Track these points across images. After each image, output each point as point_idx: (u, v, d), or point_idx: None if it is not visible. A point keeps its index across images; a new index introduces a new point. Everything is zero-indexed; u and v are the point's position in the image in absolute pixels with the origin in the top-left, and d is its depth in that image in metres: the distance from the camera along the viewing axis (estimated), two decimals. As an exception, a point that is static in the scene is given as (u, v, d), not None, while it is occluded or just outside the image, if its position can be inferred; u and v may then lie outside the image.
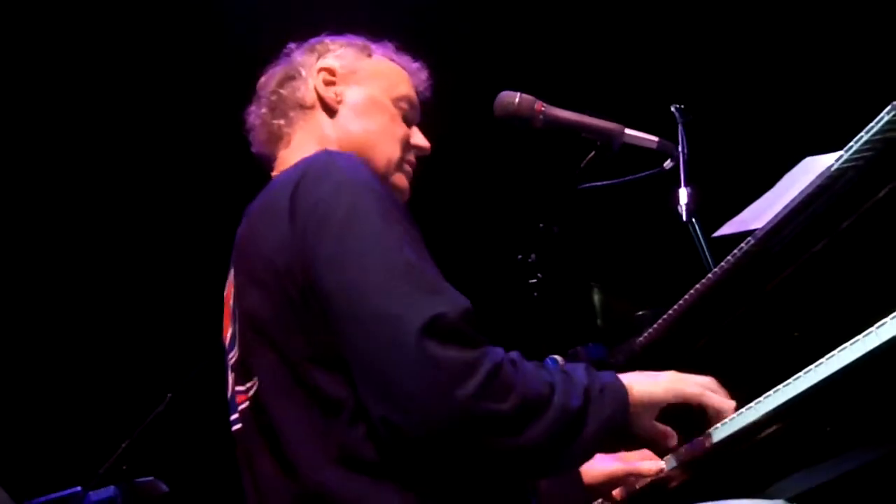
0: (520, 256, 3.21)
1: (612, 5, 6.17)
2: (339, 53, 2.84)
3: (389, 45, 2.92)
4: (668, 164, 3.20)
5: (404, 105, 2.83)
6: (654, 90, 3.61)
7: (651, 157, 3.18)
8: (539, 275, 3.20)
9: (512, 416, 2.06)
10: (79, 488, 4.59)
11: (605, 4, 6.17)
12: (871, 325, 1.88)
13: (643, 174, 3.24)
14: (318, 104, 2.77)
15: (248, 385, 2.39)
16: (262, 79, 2.87)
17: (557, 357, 3.19)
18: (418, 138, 2.84)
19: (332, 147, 2.64)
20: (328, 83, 2.78)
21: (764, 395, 2.14)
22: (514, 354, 2.15)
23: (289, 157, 2.69)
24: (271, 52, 2.91)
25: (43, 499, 4.75)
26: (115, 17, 6.07)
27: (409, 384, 2.04)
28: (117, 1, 6.05)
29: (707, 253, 3.25)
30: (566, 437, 2.13)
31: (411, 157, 2.83)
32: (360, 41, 2.88)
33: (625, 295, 3.71)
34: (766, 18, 5.91)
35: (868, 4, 5.53)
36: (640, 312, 3.41)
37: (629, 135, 3.03)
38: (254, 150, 2.84)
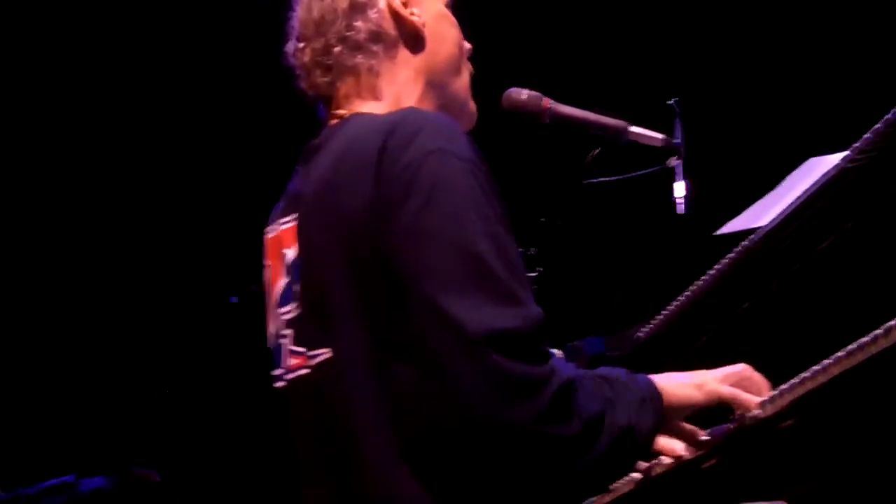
0: (521, 249, 3.22)
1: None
2: None
3: None
4: (671, 161, 3.22)
5: (450, 7, 2.55)
6: (660, 88, 3.62)
7: (656, 153, 3.20)
8: (540, 268, 3.21)
9: (576, 438, 2.00)
10: (72, 477, 4.59)
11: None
12: (875, 324, 1.90)
13: (647, 171, 3.26)
14: (400, 33, 2.42)
15: (316, 352, 2.23)
16: (314, 11, 2.45)
17: (556, 351, 3.21)
18: (464, 42, 2.56)
19: (419, 83, 2.43)
20: (405, 4, 2.44)
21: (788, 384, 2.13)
22: (573, 370, 2.07)
23: (372, 97, 2.40)
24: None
25: (35, 487, 4.75)
26: (105, 12, 6.06)
27: (472, 393, 1.96)
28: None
29: (705, 246, 3.27)
30: (620, 454, 2.08)
31: (470, 66, 2.58)
32: None
33: (624, 287, 3.74)
34: (772, 23, 5.91)
35: (874, 4, 5.54)
36: (638, 303, 3.43)
37: (634, 132, 3.04)
38: (309, 88, 2.46)
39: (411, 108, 2.29)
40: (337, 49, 2.41)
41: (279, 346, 2.35)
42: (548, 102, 2.99)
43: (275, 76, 2.59)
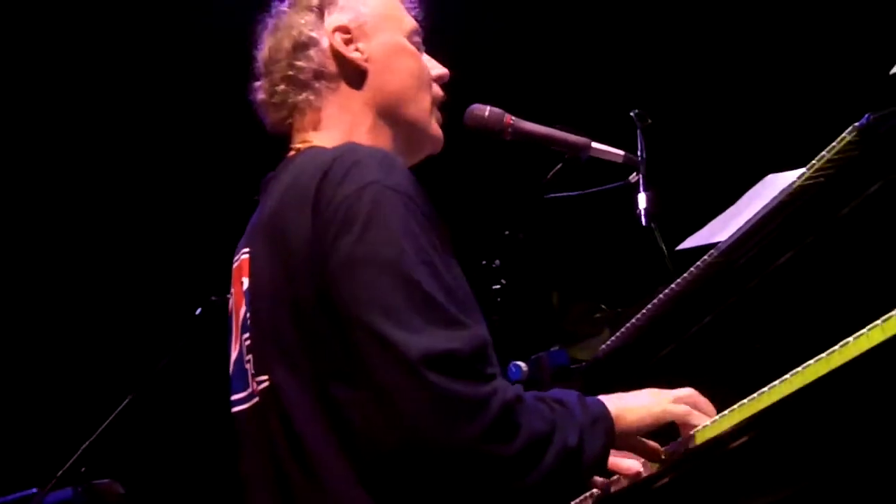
0: (484, 262, 3.23)
1: (581, 14, 6.20)
2: (341, 4, 2.59)
3: None
4: (633, 177, 3.25)
5: (416, 38, 2.64)
6: (621, 101, 3.65)
7: (619, 168, 3.22)
8: (503, 280, 3.23)
9: (517, 457, 2.02)
10: (35, 490, 4.56)
11: (574, 13, 6.20)
12: (832, 340, 1.93)
13: (608, 186, 3.29)
14: (340, 70, 2.53)
15: (261, 378, 2.30)
16: (264, 52, 2.60)
17: (521, 363, 3.23)
18: (436, 67, 2.67)
19: (367, 115, 2.52)
20: (347, 42, 2.54)
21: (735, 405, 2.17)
22: (518, 390, 2.09)
23: (322, 130, 2.51)
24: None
25: (-2, 501, 4.72)
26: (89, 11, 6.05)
27: (412, 414, 1.99)
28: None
29: (668, 257, 3.30)
30: (566, 474, 2.10)
31: (438, 91, 2.66)
32: None
33: (586, 300, 3.75)
34: (732, 41, 5.95)
35: (831, 26, 5.58)
36: (598, 315, 3.45)
37: (596, 148, 3.06)
38: (267, 126, 2.60)
39: (350, 143, 2.35)
40: (281, 87, 2.54)
41: (244, 371, 2.39)
42: (510, 119, 3.00)
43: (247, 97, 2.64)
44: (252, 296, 2.36)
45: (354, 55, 2.54)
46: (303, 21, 2.57)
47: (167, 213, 6.50)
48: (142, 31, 6.15)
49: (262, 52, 2.62)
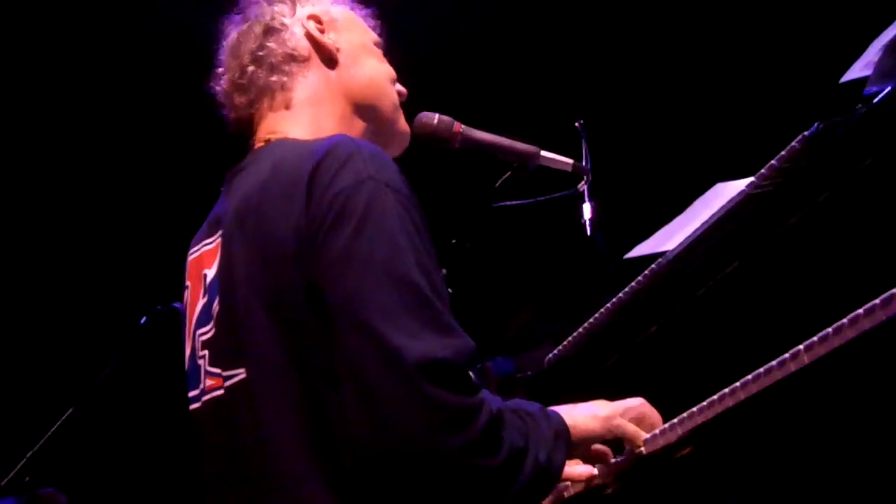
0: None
1: (527, 25, 6.21)
2: (313, 1, 2.60)
3: None
4: (582, 185, 3.25)
5: (379, 49, 2.67)
6: (567, 110, 3.66)
7: (566, 177, 3.22)
8: (449, 290, 3.21)
9: (500, 469, 2.02)
10: (-25, 499, 4.52)
11: (519, 24, 6.21)
12: (778, 348, 1.94)
13: (557, 195, 3.28)
14: (314, 55, 2.52)
15: (231, 373, 2.23)
16: (232, 37, 2.58)
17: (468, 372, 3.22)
18: (398, 84, 2.67)
19: (338, 100, 2.50)
20: (321, 31, 2.55)
21: (678, 417, 2.19)
22: (499, 402, 2.08)
23: (287, 120, 2.47)
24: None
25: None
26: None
27: (403, 419, 1.95)
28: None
29: (611, 266, 3.31)
30: (538, 488, 2.11)
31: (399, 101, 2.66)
32: None
33: (531, 309, 3.75)
34: (678, 50, 5.98)
35: (781, 34, 5.62)
36: (543, 325, 3.45)
37: (545, 157, 3.05)
38: (231, 114, 2.55)
39: (343, 135, 2.30)
40: (251, 69, 2.50)
41: (196, 367, 2.34)
42: (460, 127, 2.98)
43: (200, 100, 2.62)
44: (222, 288, 2.28)
45: (327, 41, 2.54)
46: (276, 9, 2.57)
47: (112, 221, 6.45)
48: (86, 36, 6.10)
49: (230, 39, 2.59)
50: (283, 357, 2.12)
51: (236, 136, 2.56)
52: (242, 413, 2.20)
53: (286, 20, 2.55)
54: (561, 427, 2.22)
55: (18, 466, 4.33)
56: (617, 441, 2.39)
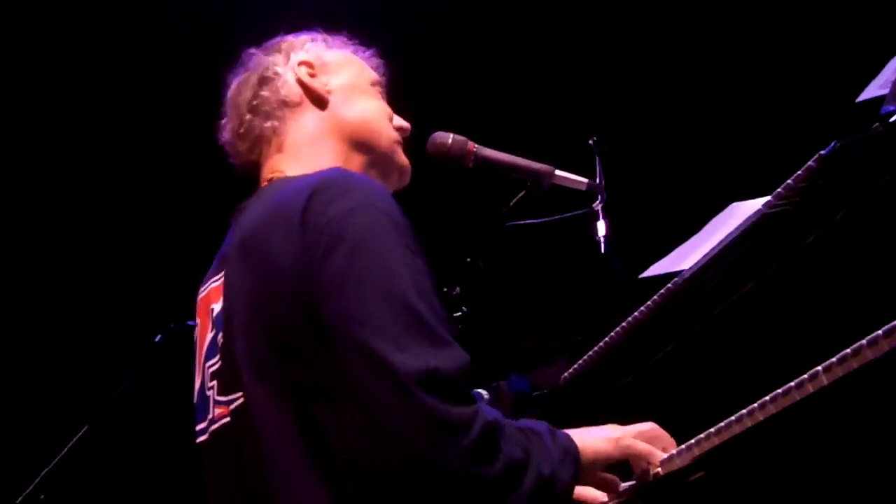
0: (445, 289, 3.22)
1: (542, 43, 6.21)
2: (306, 48, 2.73)
3: (340, 36, 2.83)
4: (597, 204, 3.25)
5: (378, 88, 2.76)
6: (581, 129, 3.66)
7: (580, 196, 3.22)
8: (464, 308, 3.21)
9: (498, 480, 2.04)
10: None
11: (534, 42, 6.21)
12: (796, 367, 1.93)
13: (571, 214, 3.28)
14: (305, 99, 2.64)
15: (232, 397, 2.29)
16: (232, 88, 2.73)
17: (482, 391, 3.21)
18: (398, 120, 2.76)
19: (332, 140, 2.60)
20: (311, 76, 2.67)
21: (695, 438, 2.17)
22: (498, 415, 2.12)
23: (285, 160, 2.59)
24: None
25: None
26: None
27: (400, 431, 2.00)
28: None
29: (626, 285, 3.29)
30: (541, 501, 2.11)
31: (399, 136, 2.73)
32: (318, 35, 2.80)
33: (546, 328, 3.74)
34: (694, 68, 5.97)
35: (797, 53, 5.60)
36: (558, 344, 3.44)
37: (559, 176, 3.05)
38: (236, 161, 2.69)
39: (337, 168, 2.43)
40: (248, 118, 2.65)
41: (205, 399, 2.40)
42: (473, 146, 2.99)
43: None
44: (225, 318, 2.35)
45: (317, 84, 2.65)
46: (270, 59, 2.70)
47: (127, 239, 6.45)
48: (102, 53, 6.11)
49: (231, 91, 2.73)
50: (282, 382, 2.18)
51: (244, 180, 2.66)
52: (245, 436, 2.25)
53: (279, 69, 2.68)
54: (569, 445, 2.24)
55: (34, 484, 4.34)
56: (627, 469, 2.38)
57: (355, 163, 2.60)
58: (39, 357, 6.37)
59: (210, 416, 2.36)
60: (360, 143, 2.63)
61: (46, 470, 4.33)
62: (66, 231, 6.39)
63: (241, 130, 2.65)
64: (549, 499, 2.13)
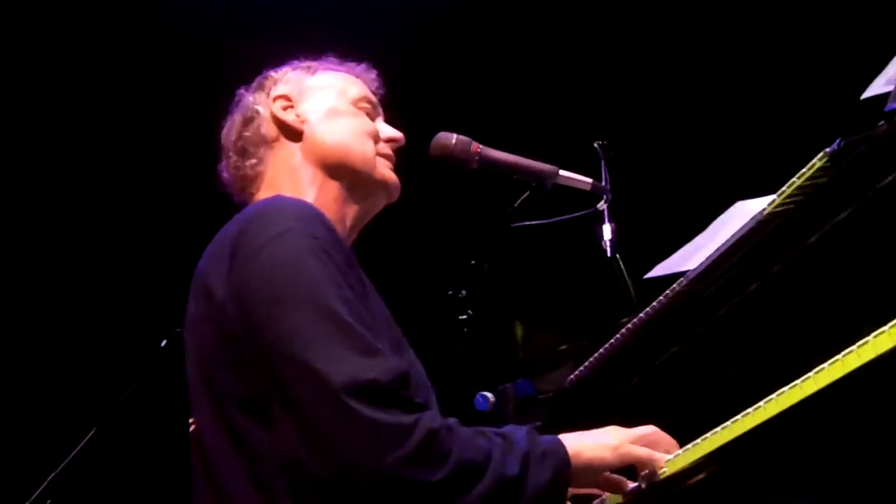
0: (450, 292, 3.21)
1: (545, 44, 6.21)
2: (286, 79, 2.81)
3: (331, 57, 2.90)
4: (601, 204, 3.24)
5: (363, 104, 2.80)
6: (586, 131, 3.65)
7: (584, 197, 3.21)
8: (469, 311, 3.21)
9: (444, 484, 2.07)
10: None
11: (538, 43, 6.20)
12: (802, 367, 1.92)
13: (576, 214, 3.27)
14: (281, 134, 2.73)
15: (191, 422, 2.42)
16: (224, 131, 2.82)
17: (488, 394, 3.21)
18: (388, 130, 2.80)
19: (308, 169, 2.67)
20: (286, 108, 2.75)
21: (701, 438, 2.16)
22: (451, 421, 2.16)
23: (270, 187, 2.69)
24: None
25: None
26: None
27: (337, 442, 2.06)
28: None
29: (632, 288, 3.29)
30: (503, 501, 2.13)
31: (387, 150, 2.78)
32: (302, 63, 2.87)
33: (551, 330, 3.74)
34: (697, 67, 5.96)
35: (801, 50, 5.59)
36: (563, 347, 3.43)
37: (563, 176, 3.05)
38: (236, 200, 2.78)
39: (276, 196, 2.51)
40: (234, 159, 2.76)
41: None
42: (477, 147, 2.99)
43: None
44: (186, 345, 2.48)
45: (291, 118, 2.74)
46: (252, 98, 2.81)
47: (133, 244, 6.45)
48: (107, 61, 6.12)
49: (223, 133, 2.83)
50: (221, 404, 2.28)
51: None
52: (200, 458, 2.37)
53: (259, 108, 2.78)
54: (552, 448, 2.24)
55: (41, 489, 4.34)
56: (632, 470, 2.37)
57: (332, 187, 2.68)
58: (46, 361, 6.37)
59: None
60: (336, 167, 2.69)
61: (53, 474, 4.33)
62: (73, 235, 6.39)
63: (232, 172, 2.76)
64: (514, 499, 2.14)
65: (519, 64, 6.24)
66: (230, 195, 2.79)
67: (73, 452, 4.31)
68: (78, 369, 6.31)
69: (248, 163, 2.73)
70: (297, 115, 2.74)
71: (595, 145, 3.46)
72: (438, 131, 3.03)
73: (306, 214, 2.36)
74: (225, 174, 2.80)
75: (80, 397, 5.96)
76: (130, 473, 6.16)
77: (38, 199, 6.34)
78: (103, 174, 6.34)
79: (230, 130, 2.80)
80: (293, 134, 2.72)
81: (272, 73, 2.85)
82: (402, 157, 2.77)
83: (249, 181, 2.73)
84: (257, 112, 2.76)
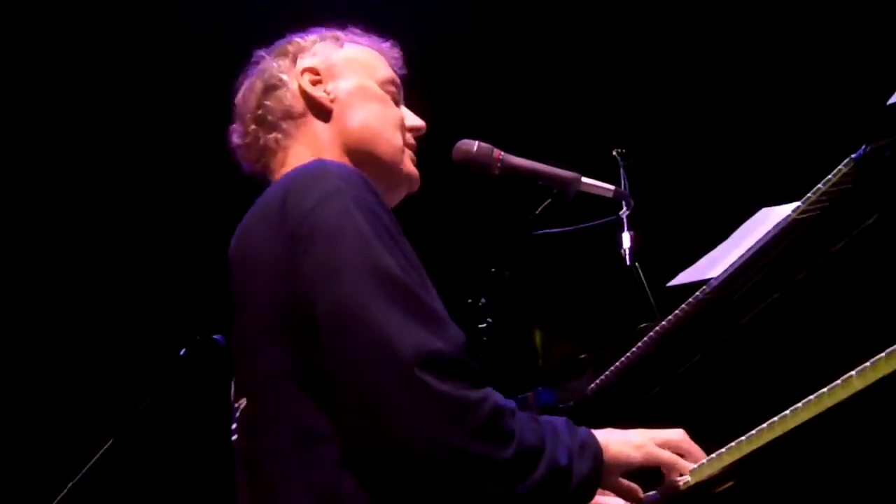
0: (470, 300, 3.20)
1: (566, 52, 6.20)
2: (314, 50, 2.70)
3: (355, 29, 2.80)
4: (623, 212, 3.23)
5: (390, 87, 2.71)
6: (608, 141, 3.64)
7: (603, 205, 3.20)
8: (489, 319, 3.19)
9: (509, 464, 2.00)
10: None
11: (559, 51, 6.20)
12: (829, 375, 1.90)
13: (598, 222, 3.26)
14: (308, 109, 2.62)
15: (239, 402, 2.32)
16: (239, 95, 2.71)
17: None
18: (412, 119, 2.73)
19: (334, 151, 2.57)
20: (315, 83, 2.64)
21: (725, 448, 2.14)
22: (511, 403, 2.08)
23: (284, 172, 2.53)
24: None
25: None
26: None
27: (403, 414, 1.98)
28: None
29: (651, 296, 3.28)
30: (553, 493, 2.07)
31: (410, 139, 2.71)
32: (329, 32, 2.76)
33: (572, 339, 3.73)
34: (723, 74, 5.95)
35: (827, 56, 5.58)
36: (583, 355, 3.42)
37: (586, 183, 3.03)
38: (246, 169, 2.68)
39: (316, 160, 2.40)
40: (252, 128, 2.64)
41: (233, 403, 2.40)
42: (499, 154, 2.98)
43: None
44: (235, 323, 2.37)
45: (320, 94, 2.63)
46: (276, 65, 2.68)
47: (153, 253, 6.47)
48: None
49: (238, 98, 2.72)
50: (277, 379, 2.18)
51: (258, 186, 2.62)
52: (249, 439, 2.28)
53: (284, 76, 2.66)
54: (589, 440, 2.20)
55: (60, 497, 4.34)
56: (654, 474, 2.35)
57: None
58: (66, 370, 6.39)
59: (236, 421, 2.38)
60: (361, 152, 2.60)
61: (73, 482, 4.33)
62: (93, 244, 6.41)
63: (248, 140, 2.65)
64: (563, 488, 2.09)
65: (538, 71, 6.24)
66: (238, 163, 2.71)
67: (93, 460, 4.31)
68: (98, 378, 6.33)
69: (271, 135, 2.61)
70: (327, 93, 2.63)
71: (614, 153, 3.45)
72: (459, 138, 3.02)
73: (352, 177, 2.25)
74: (238, 140, 2.69)
75: (99, 405, 5.97)
76: (149, 482, 6.17)
77: (60, 208, 6.36)
78: (124, 184, 6.37)
79: (249, 95, 2.68)
80: (322, 112, 2.62)
81: (298, 39, 2.74)
82: (422, 165, 2.76)
83: (269, 154, 2.61)
84: (282, 81, 2.65)
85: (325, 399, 2.10)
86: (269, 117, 2.62)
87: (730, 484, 2.13)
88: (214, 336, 3.86)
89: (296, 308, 2.14)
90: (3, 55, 5.99)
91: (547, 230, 3.15)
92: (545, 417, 2.19)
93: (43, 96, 6.14)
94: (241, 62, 2.77)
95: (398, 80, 2.76)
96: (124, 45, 6.09)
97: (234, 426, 2.38)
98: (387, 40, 2.80)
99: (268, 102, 2.63)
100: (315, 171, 2.28)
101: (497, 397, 2.05)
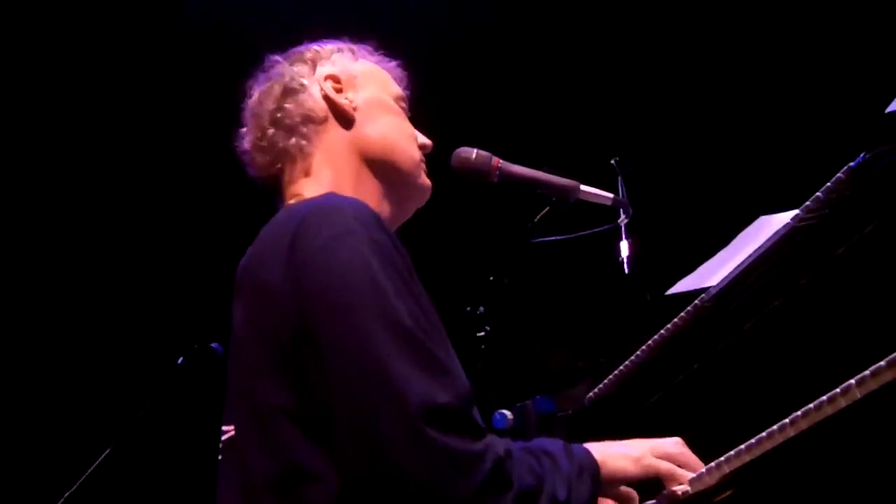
0: (469, 308, 3.20)
1: (564, 60, 6.21)
2: (333, 59, 2.67)
3: (365, 45, 2.77)
4: (622, 220, 3.23)
5: (402, 103, 2.70)
6: (606, 150, 3.64)
7: (601, 213, 3.20)
8: (487, 327, 3.19)
9: None
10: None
11: (557, 59, 6.21)
12: (828, 383, 1.89)
13: (597, 230, 3.26)
14: (330, 115, 2.57)
15: (226, 429, 2.27)
16: (254, 98, 2.65)
17: (506, 412, 3.19)
18: (419, 136, 2.70)
19: (353, 160, 2.54)
20: (337, 91, 2.61)
21: (724, 457, 2.14)
22: (508, 444, 2.08)
23: (309, 185, 2.52)
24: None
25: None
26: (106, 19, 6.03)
27: (407, 466, 1.94)
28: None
29: (648, 304, 3.27)
30: None
31: (421, 155, 2.68)
32: (345, 45, 2.73)
33: (570, 346, 3.73)
34: (721, 82, 5.95)
35: (825, 63, 5.58)
36: (581, 363, 3.42)
37: (585, 191, 3.03)
38: (254, 173, 2.62)
39: (326, 194, 2.34)
40: (271, 131, 2.57)
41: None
42: (498, 162, 2.97)
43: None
44: (231, 344, 2.34)
45: (343, 101, 2.58)
46: (295, 69, 2.63)
47: (151, 261, 6.47)
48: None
49: (252, 99, 2.65)
50: (268, 417, 2.14)
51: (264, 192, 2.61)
52: (234, 471, 2.23)
53: (305, 81, 2.61)
54: (586, 461, 2.19)
55: (58, 504, 4.34)
56: (653, 482, 2.35)
57: (373, 184, 2.55)
58: (63, 378, 6.38)
59: (222, 439, 2.34)
60: (380, 163, 2.57)
61: (70, 491, 4.33)
62: (91, 252, 6.41)
63: (263, 143, 2.58)
64: None
65: (537, 79, 6.24)
66: (244, 167, 2.65)
67: (90, 469, 4.31)
68: (96, 385, 6.32)
69: (291, 140, 2.54)
70: (349, 100, 2.60)
71: (612, 162, 3.46)
72: (458, 146, 3.01)
73: (366, 216, 2.20)
74: (249, 143, 2.63)
75: (98, 413, 5.97)
76: (147, 489, 6.16)
77: (59, 216, 6.37)
78: (123, 191, 6.37)
79: (264, 98, 2.61)
80: (344, 119, 2.57)
81: (316, 47, 2.70)
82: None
83: (288, 158, 2.55)
84: (302, 85, 2.59)
85: (320, 438, 2.08)
86: (288, 120, 2.56)
87: (729, 493, 2.12)
88: (212, 344, 3.87)
89: (297, 346, 2.10)
90: (8, 57, 6.00)
91: (545, 238, 3.14)
92: (541, 443, 2.19)
93: (43, 98, 6.15)
94: (245, 68, 2.75)
95: (404, 96, 2.74)
96: (127, 49, 6.10)
97: (220, 446, 2.35)
98: (391, 60, 2.78)
99: (287, 105, 2.58)
100: (328, 206, 2.22)
101: (497, 447, 2.03)
